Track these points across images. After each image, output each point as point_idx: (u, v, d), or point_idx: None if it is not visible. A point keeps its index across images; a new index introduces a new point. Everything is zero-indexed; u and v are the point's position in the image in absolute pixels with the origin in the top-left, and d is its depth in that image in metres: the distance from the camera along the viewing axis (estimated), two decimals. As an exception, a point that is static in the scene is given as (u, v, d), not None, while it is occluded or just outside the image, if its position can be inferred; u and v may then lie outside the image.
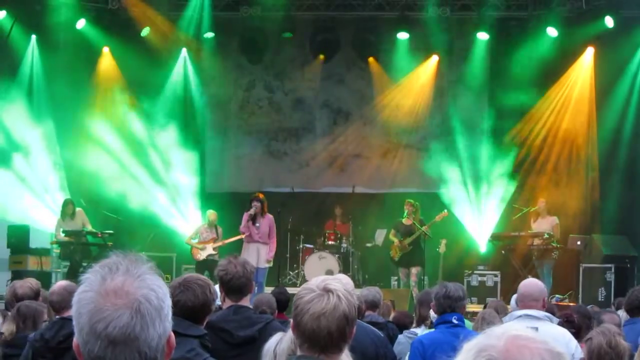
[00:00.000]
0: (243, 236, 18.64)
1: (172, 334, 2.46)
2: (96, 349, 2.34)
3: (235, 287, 6.27)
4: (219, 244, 19.40)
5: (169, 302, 2.44)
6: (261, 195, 18.58)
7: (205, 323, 5.57)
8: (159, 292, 2.41)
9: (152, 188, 21.64)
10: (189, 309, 5.39)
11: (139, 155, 21.79)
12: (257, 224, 18.08)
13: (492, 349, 1.94)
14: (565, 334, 7.27)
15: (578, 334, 7.53)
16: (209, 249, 19.34)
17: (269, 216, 18.40)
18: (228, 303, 6.32)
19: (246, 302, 6.40)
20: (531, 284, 7.65)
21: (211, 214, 19.80)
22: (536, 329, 6.75)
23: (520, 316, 7.25)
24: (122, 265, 2.41)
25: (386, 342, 7.02)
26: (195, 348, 5.21)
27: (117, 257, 2.44)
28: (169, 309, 2.43)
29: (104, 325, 2.33)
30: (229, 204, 21.19)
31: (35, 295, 8.66)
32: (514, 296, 9.20)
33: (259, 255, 17.87)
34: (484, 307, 11.46)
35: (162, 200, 21.63)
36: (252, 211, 18.02)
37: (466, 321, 7.98)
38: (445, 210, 19.08)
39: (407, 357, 7.68)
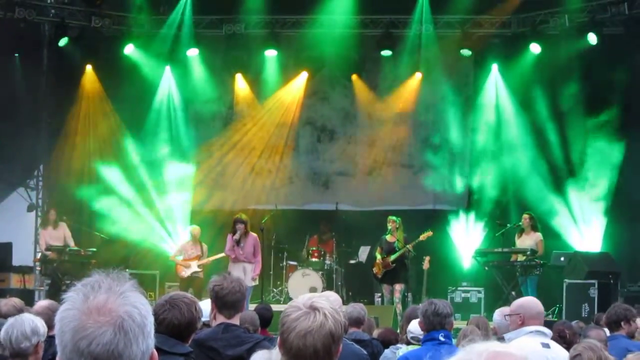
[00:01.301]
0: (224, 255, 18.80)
1: (155, 351, 2.46)
2: None
3: (230, 302, 6.26)
4: (204, 262, 19.37)
5: (152, 319, 2.44)
6: (244, 216, 18.54)
7: (190, 341, 5.56)
8: (141, 309, 2.41)
9: (135, 205, 21.58)
10: (175, 327, 5.38)
11: (122, 172, 21.72)
12: (242, 244, 18.05)
13: None
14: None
15: (568, 349, 7.56)
16: (194, 267, 19.30)
17: (253, 235, 18.34)
18: (219, 319, 6.30)
19: (237, 320, 6.39)
20: (538, 302, 7.66)
21: (194, 229, 19.74)
22: (547, 345, 6.86)
23: (532, 332, 7.25)
24: (105, 283, 2.41)
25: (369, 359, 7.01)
26: (181, 366, 5.20)
27: (99, 276, 2.44)
28: (151, 326, 2.43)
29: (87, 343, 2.33)
30: (213, 221, 21.18)
31: (18, 314, 8.60)
32: (497, 312, 9.19)
33: (245, 274, 17.82)
34: (467, 324, 11.45)
35: (145, 218, 21.58)
36: (237, 236, 17.99)
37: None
38: (430, 231, 19.04)
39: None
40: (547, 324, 7.92)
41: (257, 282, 18.42)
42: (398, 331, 10.98)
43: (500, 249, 19.41)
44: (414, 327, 8.72)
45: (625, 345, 9.02)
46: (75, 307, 2.38)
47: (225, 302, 6.28)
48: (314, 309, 3.64)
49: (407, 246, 18.58)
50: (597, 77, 20.66)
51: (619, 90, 20.41)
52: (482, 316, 14.16)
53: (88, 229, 20.96)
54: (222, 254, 18.88)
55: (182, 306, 5.45)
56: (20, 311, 8.64)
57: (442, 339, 7.21)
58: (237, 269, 17.80)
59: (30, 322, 6.18)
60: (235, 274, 16.86)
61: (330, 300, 3.72)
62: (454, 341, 8.26)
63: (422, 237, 18.79)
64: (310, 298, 3.71)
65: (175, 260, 19.53)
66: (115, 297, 2.39)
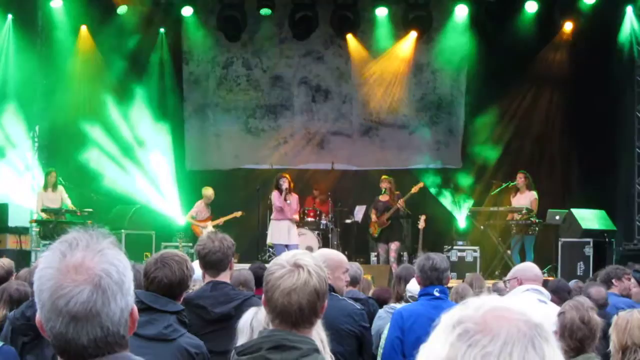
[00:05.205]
0: (238, 214, 19.73)
1: (135, 307, 2.46)
2: (58, 325, 2.35)
3: (210, 262, 6.27)
4: (217, 222, 19.58)
5: (131, 276, 2.44)
6: (287, 175, 18.80)
7: (182, 299, 5.59)
8: (119, 266, 2.41)
9: (130, 166, 21.55)
10: (166, 286, 5.40)
11: (117, 134, 21.66)
12: (288, 201, 18.25)
13: (469, 320, 1.89)
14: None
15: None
16: (209, 227, 19.45)
17: (295, 194, 18.71)
18: (207, 279, 6.33)
19: (225, 278, 6.39)
20: (534, 266, 7.81)
21: (208, 190, 19.92)
22: (544, 301, 6.94)
23: (528, 289, 7.32)
24: (82, 241, 2.41)
25: (364, 316, 7.01)
26: (173, 324, 5.23)
27: (77, 233, 2.44)
28: (130, 282, 2.43)
29: (65, 302, 2.33)
30: (209, 182, 21.16)
31: (7, 275, 8.64)
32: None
33: (289, 233, 18.15)
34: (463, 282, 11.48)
35: (140, 178, 21.55)
36: (285, 185, 18.31)
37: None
38: (421, 182, 19.16)
39: (386, 330, 7.70)
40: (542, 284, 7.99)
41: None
42: (393, 290, 11.00)
43: (495, 208, 19.46)
44: (412, 287, 8.71)
45: (614, 303, 9.06)
46: (52, 266, 2.38)
47: (207, 262, 6.30)
48: (297, 266, 3.65)
49: (399, 201, 18.72)
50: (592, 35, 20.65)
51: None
52: (477, 274, 14.20)
53: (84, 190, 20.90)
54: (237, 213, 19.80)
55: (173, 264, 5.47)
56: (9, 272, 8.67)
57: (437, 294, 7.20)
58: (282, 227, 18.27)
59: None
60: (279, 233, 17.90)
61: (313, 257, 3.73)
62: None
63: (414, 189, 18.93)
64: (294, 255, 3.71)
65: (191, 221, 19.76)
66: (92, 254, 2.38)
